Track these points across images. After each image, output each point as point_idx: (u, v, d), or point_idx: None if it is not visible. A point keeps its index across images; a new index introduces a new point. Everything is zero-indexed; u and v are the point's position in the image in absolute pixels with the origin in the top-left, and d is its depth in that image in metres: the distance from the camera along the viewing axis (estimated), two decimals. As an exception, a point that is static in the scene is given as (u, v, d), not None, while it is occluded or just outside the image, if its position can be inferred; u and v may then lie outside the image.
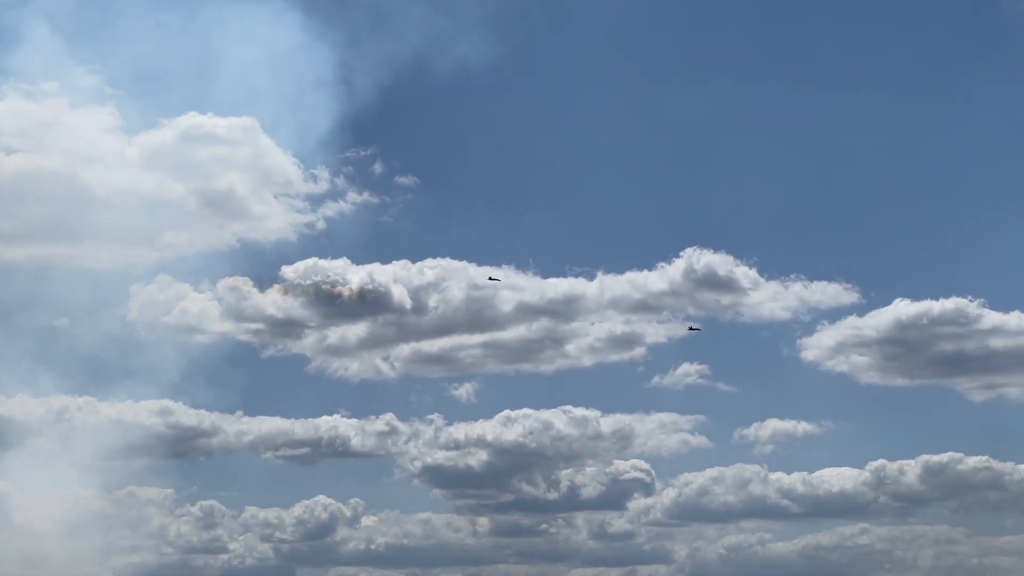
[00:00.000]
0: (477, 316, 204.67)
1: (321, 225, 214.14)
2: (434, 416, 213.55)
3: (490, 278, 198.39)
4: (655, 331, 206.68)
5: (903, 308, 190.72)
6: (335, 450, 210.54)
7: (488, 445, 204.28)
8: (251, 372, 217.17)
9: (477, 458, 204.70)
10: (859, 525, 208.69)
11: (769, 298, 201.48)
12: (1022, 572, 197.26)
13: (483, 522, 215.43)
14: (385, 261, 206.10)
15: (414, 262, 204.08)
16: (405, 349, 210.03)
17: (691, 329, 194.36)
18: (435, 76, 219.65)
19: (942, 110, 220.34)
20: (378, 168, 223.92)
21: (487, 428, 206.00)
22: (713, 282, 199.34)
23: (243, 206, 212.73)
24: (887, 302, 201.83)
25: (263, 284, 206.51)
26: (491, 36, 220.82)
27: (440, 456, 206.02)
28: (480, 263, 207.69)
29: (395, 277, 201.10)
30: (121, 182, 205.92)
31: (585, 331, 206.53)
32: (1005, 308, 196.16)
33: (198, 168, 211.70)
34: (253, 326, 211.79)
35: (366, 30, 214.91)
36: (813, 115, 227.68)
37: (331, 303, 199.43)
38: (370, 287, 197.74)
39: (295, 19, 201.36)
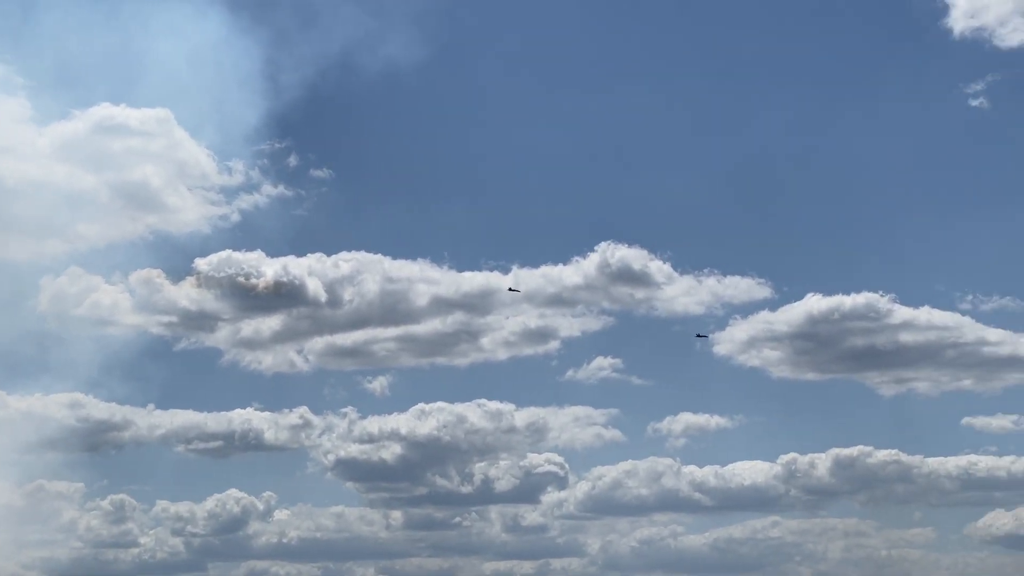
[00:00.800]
0: (392, 310, 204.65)
1: (236, 218, 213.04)
2: (348, 409, 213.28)
3: (510, 288, 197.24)
4: (569, 325, 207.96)
5: (815, 303, 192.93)
6: (248, 443, 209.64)
7: (402, 438, 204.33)
8: (163, 365, 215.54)
9: (391, 451, 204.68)
10: (770, 518, 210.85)
11: (683, 293, 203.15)
12: (929, 564, 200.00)
13: (396, 515, 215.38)
14: (300, 254, 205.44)
15: (329, 255, 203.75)
16: (319, 342, 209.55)
17: (699, 336, 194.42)
18: (360, 74, 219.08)
19: (854, 108, 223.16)
20: (293, 161, 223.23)
21: (401, 421, 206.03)
22: (627, 276, 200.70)
23: (157, 198, 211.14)
24: (799, 297, 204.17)
25: (176, 276, 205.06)
26: (418, 36, 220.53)
27: (354, 449, 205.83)
28: (395, 256, 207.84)
29: (310, 270, 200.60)
30: (32, 173, 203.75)
31: (500, 325, 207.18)
32: (915, 303, 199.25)
33: (111, 160, 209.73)
34: (166, 319, 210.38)
35: (294, 28, 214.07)
36: (728, 112, 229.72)
37: (245, 296, 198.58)
38: (285, 280, 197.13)
39: (220, 16, 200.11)
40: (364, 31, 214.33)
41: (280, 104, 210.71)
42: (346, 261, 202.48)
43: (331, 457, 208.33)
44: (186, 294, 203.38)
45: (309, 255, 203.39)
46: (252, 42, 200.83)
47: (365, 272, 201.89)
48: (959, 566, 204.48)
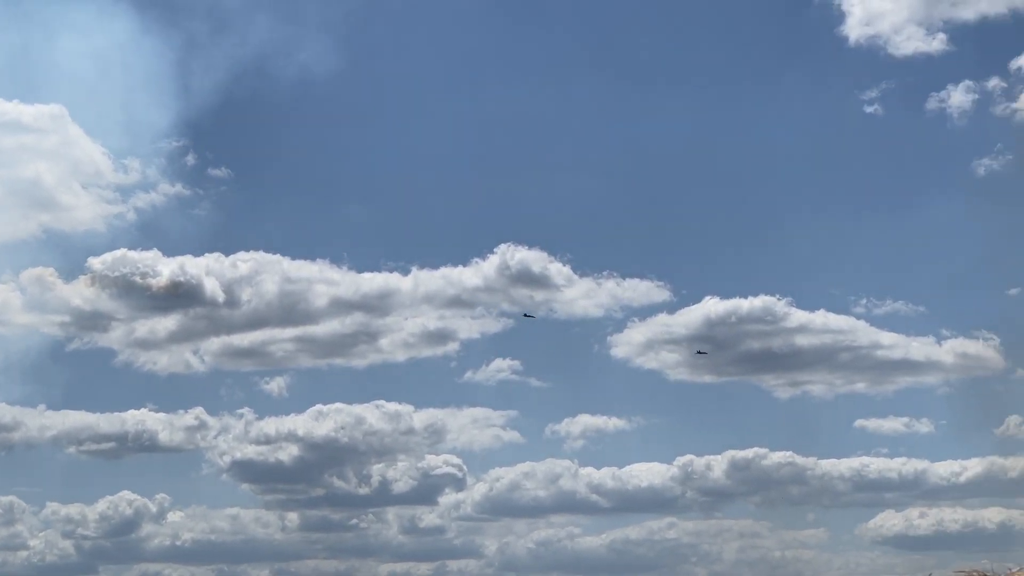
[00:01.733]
0: (290, 310, 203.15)
1: (131, 216, 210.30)
2: (244, 410, 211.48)
3: (525, 314, 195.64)
4: (468, 326, 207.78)
5: (712, 306, 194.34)
6: (142, 445, 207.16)
7: (299, 440, 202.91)
8: (55, 365, 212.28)
9: (288, 453, 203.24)
10: (667, 519, 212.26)
11: (582, 295, 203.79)
12: (821, 564, 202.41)
13: (292, 517, 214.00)
14: (197, 254, 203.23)
15: (227, 255, 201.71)
16: (216, 343, 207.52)
17: (699, 353, 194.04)
18: (270, 80, 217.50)
19: (752, 113, 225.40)
20: (191, 160, 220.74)
21: (298, 423, 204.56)
22: (527, 278, 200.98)
23: (50, 196, 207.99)
24: (697, 300, 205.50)
25: (69, 276, 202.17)
26: (329, 44, 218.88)
27: (250, 451, 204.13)
28: (294, 257, 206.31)
29: (207, 270, 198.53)
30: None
31: (399, 326, 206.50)
32: (811, 307, 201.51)
33: (2, 156, 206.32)
34: (58, 318, 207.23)
35: (205, 33, 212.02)
36: (627, 113, 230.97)
37: (140, 295, 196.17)
38: (181, 280, 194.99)
39: (128, 17, 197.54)
40: (278, 38, 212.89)
41: (184, 106, 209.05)
42: (244, 261, 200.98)
43: (227, 458, 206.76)
44: (79, 293, 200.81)
45: (207, 255, 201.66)
46: (162, 45, 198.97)
47: (263, 272, 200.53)
48: (850, 566, 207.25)
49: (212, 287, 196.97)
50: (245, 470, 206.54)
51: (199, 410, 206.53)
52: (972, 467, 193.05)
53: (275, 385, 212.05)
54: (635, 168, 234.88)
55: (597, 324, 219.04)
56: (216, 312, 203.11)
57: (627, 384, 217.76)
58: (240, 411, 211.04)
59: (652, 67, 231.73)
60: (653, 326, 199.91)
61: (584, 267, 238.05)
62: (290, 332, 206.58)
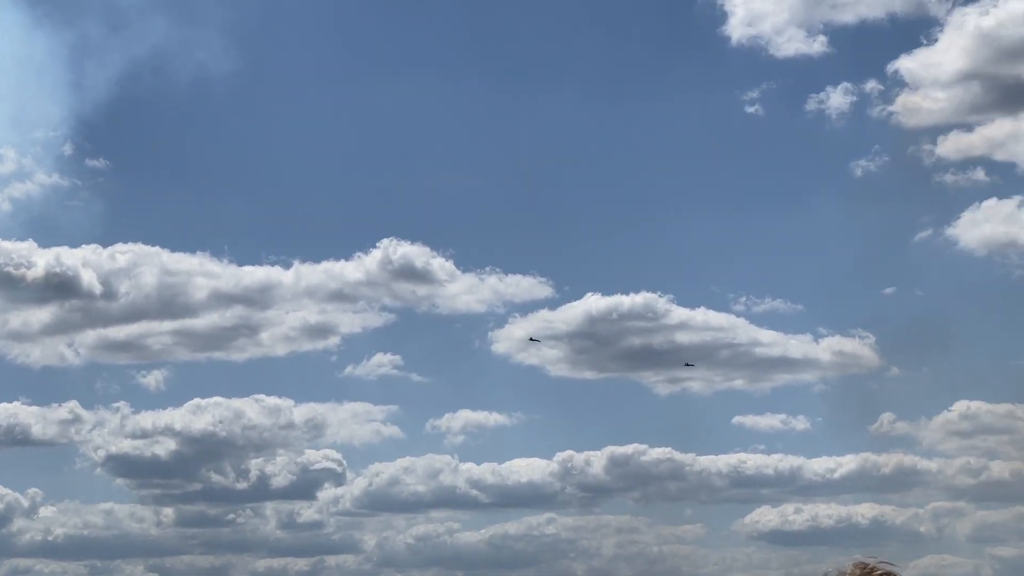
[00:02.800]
0: (169, 303, 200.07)
1: (6, 207, 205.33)
2: (120, 404, 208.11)
3: (531, 339, 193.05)
4: (350, 321, 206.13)
5: (594, 302, 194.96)
6: (14, 438, 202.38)
7: (176, 434, 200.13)
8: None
9: (164, 447, 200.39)
10: (546, 515, 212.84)
11: (465, 290, 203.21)
12: (698, 559, 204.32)
13: (168, 512, 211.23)
14: (74, 245, 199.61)
15: (105, 247, 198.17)
16: (91, 335, 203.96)
17: (687, 365, 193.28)
18: (155, 76, 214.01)
19: (634, 110, 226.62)
20: (68, 150, 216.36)
21: (176, 416, 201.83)
22: (409, 273, 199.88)
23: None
24: (579, 296, 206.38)
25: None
26: (219, 39, 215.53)
27: (126, 445, 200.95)
28: (174, 249, 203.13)
29: (84, 261, 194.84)
30: None
31: (280, 320, 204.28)
32: (691, 304, 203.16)
33: None
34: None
35: (96, 27, 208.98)
36: (510, 109, 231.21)
37: (14, 287, 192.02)
38: (57, 271, 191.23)
39: (17, 9, 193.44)
40: (172, 38, 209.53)
41: (70, 100, 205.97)
42: (122, 253, 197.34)
43: (101, 453, 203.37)
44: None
45: (83, 246, 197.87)
46: (53, 41, 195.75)
47: (142, 265, 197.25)
48: (726, 561, 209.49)
49: (89, 279, 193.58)
50: (120, 464, 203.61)
51: (73, 403, 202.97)
52: (847, 463, 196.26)
53: (152, 379, 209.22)
54: (518, 164, 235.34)
55: (479, 319, 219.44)
56: (92, 304, 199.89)
57: (508, 380, 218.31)
58: (116, 405, 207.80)
59: (535, 63, 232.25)
60: (534, 322, 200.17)
61: (467, 262, 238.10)
62: (168, 325, 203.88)
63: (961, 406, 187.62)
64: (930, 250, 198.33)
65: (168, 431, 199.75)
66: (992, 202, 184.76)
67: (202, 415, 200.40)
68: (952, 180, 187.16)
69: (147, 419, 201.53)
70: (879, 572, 7.91)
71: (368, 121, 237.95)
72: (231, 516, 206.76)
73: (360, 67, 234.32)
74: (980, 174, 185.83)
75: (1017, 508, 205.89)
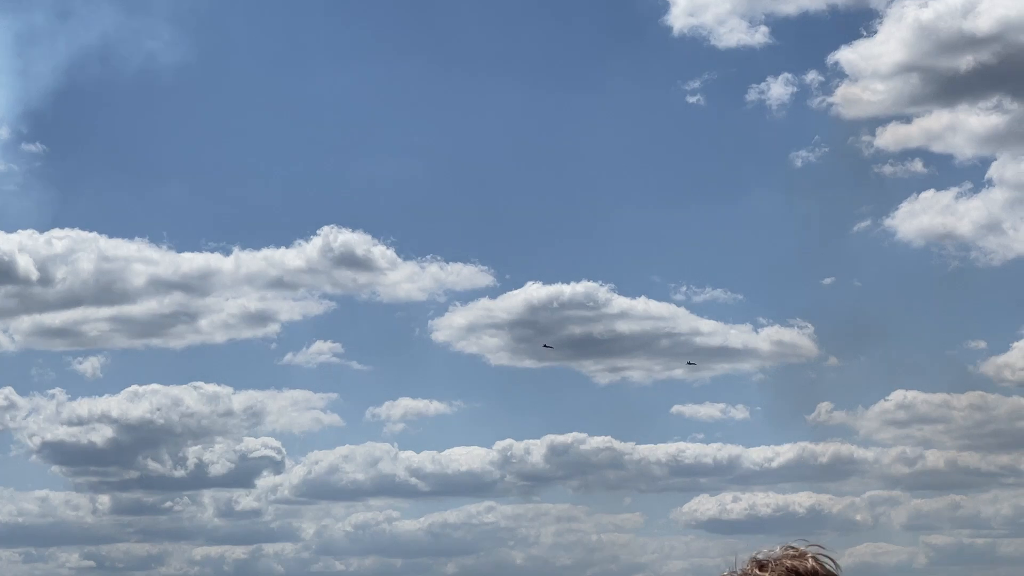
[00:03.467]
0: (107, 289, 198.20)
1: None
2: (56, 391, 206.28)
3: (545, 345, 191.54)
4: (290, 308, 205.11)
5: (535, 291, 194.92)
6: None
7: (113, 421, 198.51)
8: None
9: (101, 434, 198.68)
10: (485, 503, 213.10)
11: (406, 278, 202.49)
12: (637, 547, 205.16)
13: (104, 500, 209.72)
14: (9, 230, 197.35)
15: (41, 232, 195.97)
16: (26, 321, 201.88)
17: (689, 363, 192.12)
18: (103, 65, 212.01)
19: (577, 99, 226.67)
20: (3, 134, 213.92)
21: (113, 404, 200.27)
22: (350, 261, 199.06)
23: None
24: (520, 285, 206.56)
25: None
26: (164, 26, 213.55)
27: (61, 432, 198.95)
28: (111, 235, 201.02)
29: (20, 247, 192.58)
30: None
31: (219, 307, 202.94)
32: (632, 294, 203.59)
33: None
34: None
35: (43, 16, 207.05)
36: (453, 97, 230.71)
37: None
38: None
39: None
40: (120, 26, 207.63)
41: (9, 87, 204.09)
42: (59, 239, 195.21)
43: (36, 440, 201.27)
44: None
45: (19, 231, 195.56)
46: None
47: (79, 251, 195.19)
48: (665, 549, 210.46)
49: (25, 264, 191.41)
50: (56, 452, 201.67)
51: (8, 390, 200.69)
52: (784, 453, 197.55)
53: (89, 365, 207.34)
54: (460, 153, 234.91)
55: (420, 308, 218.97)
56: (28, 290, 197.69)
57: (448, 368, 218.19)
58: (51, 391, 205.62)
59: (477, 53, 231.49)
60: (475, 310, 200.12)
61: (408, 251, 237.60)
62: (105, 311, 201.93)
63: (898, 396, 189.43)
64: (868, 241, 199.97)
65: (105, 418, 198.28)
66: (929, 193, 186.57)
67: (139, 402, 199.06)
68: (890, 171, 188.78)
69: (83, 406, 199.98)
70: (810, 556, 7.92)
71: (310, 108, 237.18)
72: (168, 504, 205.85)
73: (302, 55, 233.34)
74: (918, 165, 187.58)
75: (951, 497, 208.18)
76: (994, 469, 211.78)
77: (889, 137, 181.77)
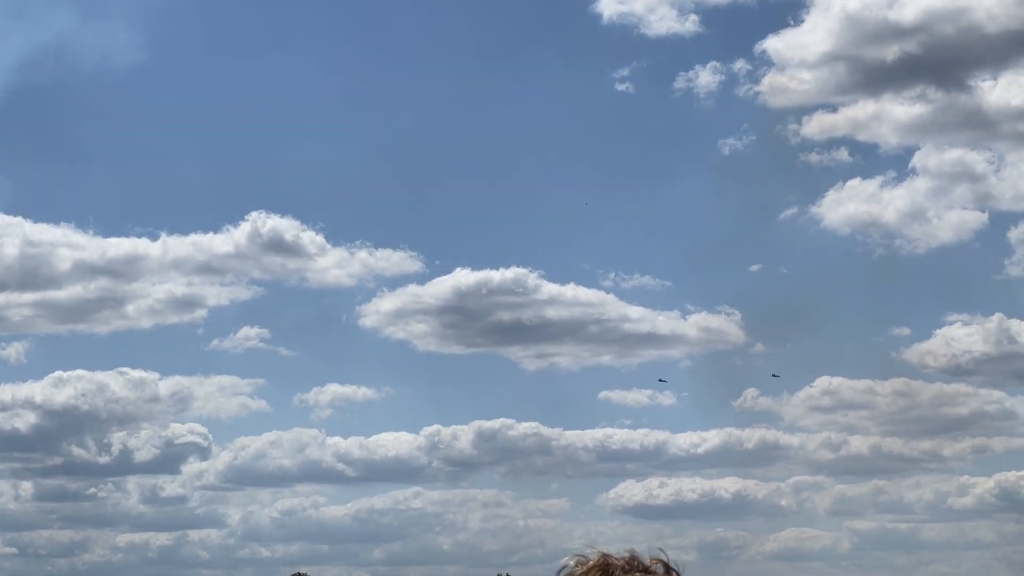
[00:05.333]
0: (32, 274, 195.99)
1: None
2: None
3: (660, 380, 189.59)
4: (217, 294, 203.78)
5: (463, 277, 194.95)
6: None
7: (37, 407, 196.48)
8: None
9: (24, 420, 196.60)
10: (412, 488, 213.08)
11: (335, 264, 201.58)
12: (563, 533, 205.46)
13: (26, 486, 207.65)
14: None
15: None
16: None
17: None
18: (27, 49, 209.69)
19: (506, 85, 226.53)
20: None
21: (36, 389, 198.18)
22: (279, 246, 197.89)
23: None
24: (448, 271, 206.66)
25: None
26: (90, 11, 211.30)
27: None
28: (36, 220, 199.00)
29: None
30: None
31: (146, 292, 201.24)
32: (561, 280, 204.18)
33: None
34: None
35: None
36: (380, 83, 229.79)
37: None
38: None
39: None
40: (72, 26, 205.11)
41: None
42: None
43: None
44: None
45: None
46: None
47: (3, 235, 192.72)
48: (591, 534, 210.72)
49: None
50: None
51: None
52: (711, 438, 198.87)
53: (12, 351, 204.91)
54: (389, 140, 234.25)
55: (349, 294, 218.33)
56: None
57: (376, 354, 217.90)
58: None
59: (407, 39, 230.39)
60: (403, 296, 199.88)
61: (337, 236, 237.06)
62: (30, 296, 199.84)
63: (823, 382, 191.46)
64: (795, 228, 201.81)
65: (28, 404, 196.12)
66: (855, 182, 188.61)
67: (64, 388, 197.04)
68: (817, 160, 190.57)
69: (6, 392, 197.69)
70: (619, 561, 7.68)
71: (238, 93, 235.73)
72: (92, 490, 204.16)
73: (231, 39, 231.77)
74: (844, 154, 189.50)
75: (874, 482, 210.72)
76: (917, 455, 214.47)
77: (815, 126, 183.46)
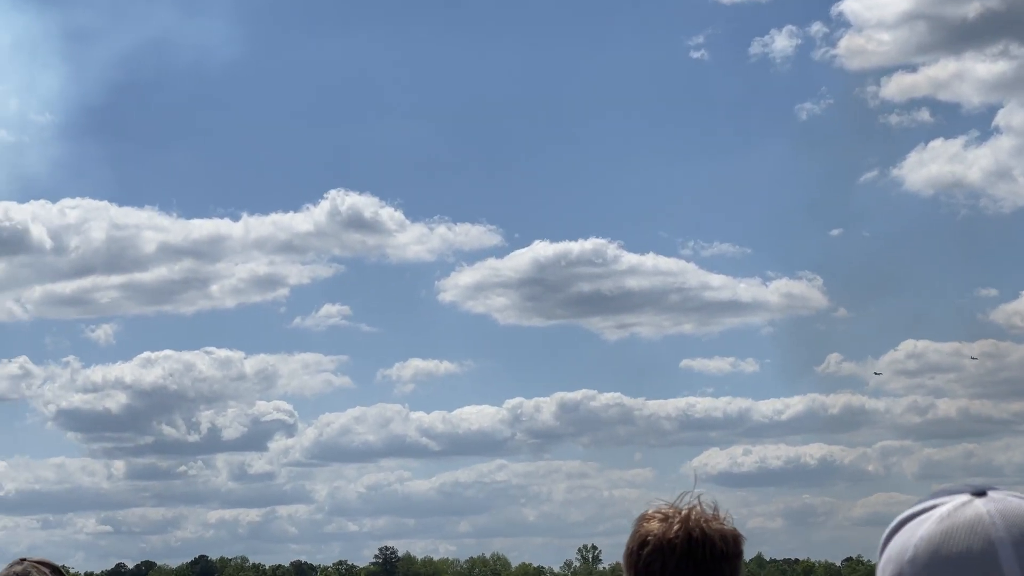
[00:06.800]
0: (118, 257, 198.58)
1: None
2: (70, 358, 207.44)
3: (876, 372, 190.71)
4: (299, 272, 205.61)
5: (542, 249, 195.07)
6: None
7: (127, 387, 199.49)
8: None
9: (115, 401, 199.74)
10: (496, 461, 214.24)
11: (414, 240, 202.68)
12: (646, 503, 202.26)
13: (119, 465, 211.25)
14: (22, 200, 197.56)
15: (53, 202, 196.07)
16: (39, 291, 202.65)
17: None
18: (119, 43, 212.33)
19: (581, 55, 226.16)
20: (13, 105, 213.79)
21: (126, 370, 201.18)
22: (358, 223, 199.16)
23: None
24: (527, 243, 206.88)
25: None
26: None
27: (76, 399, 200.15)
28: (121, 203, 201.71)
29: (33, 216, 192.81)
30: None
31: (229, 272, 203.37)
32: (640, 250, 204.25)
33: None
34: None
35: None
36: (456, 57, 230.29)
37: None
38: (6, 225, 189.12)
39: None
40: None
41: (36, 66, 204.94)
42: (71, 208, 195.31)
43: (52, 407, 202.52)
44: None
45: (32, 202, 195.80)
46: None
47: (91, 219, 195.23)
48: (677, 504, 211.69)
49: (38, 234, 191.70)
50: (71, 419, 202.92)
51: (23, 359, 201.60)
52: (794, 405, 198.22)
53: (102, 333, 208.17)
54: (466, 113, 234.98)
55: (428, 269, 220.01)
56: (41, 260, 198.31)
57: (457, 328, 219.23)
58: (66, 359, 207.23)
59: (483, 13, 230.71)
60: (482, 270, 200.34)
61: (416, 212, 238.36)
62: (117, 279, 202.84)
63: (908, 345, 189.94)
64: (876, 191, 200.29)
65: (118, 384, 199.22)
66: (938, 142, 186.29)
67: (152, 368, 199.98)
68: (897, 121, 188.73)
69: (97, 373, 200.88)
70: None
71: (315, 73, 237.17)
72: (182, 468, 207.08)
73: (308, 20, 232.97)
74: (925, 115, 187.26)
75: (963, 445, 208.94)
76: (1006, 417, 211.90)
77: (895, 87, 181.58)
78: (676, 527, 5.09)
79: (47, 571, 7.28)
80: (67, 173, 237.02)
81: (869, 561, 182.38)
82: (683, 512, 5.10)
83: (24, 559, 7.33)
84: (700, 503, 5.05)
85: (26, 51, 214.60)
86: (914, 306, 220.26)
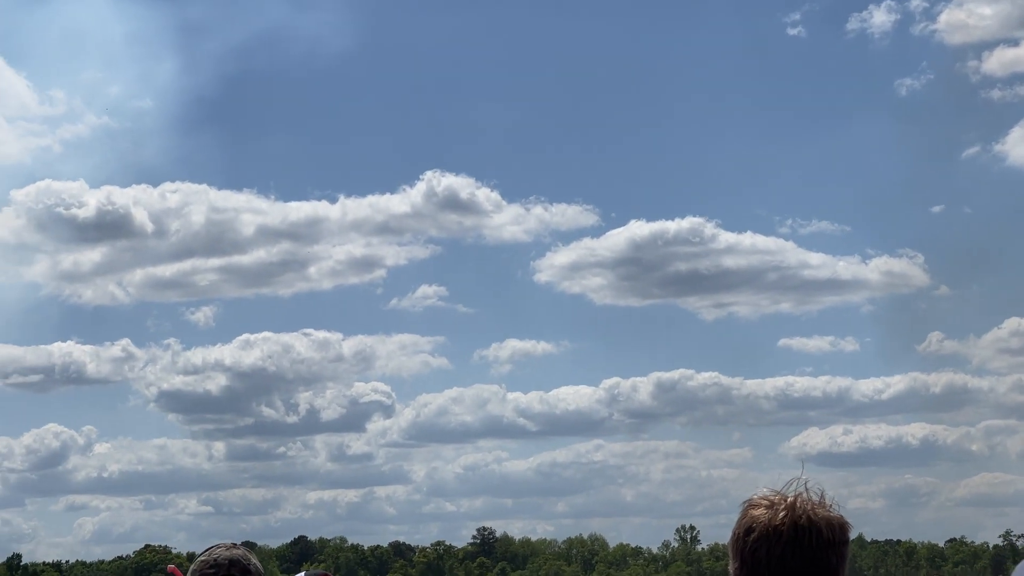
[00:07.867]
0: (217, 240, 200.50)
1: (58, 148, 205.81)
2: (171, 341, 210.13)
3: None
4: (396, 253, 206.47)
5: (638, 229, 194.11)
6: (68, 377, 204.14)
7: (227, 369, 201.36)
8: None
9: (215, 382, 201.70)
10: (594, 441, 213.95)
11: (511, 220, 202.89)
12: (745, 483, 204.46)
13: (219, 447, 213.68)
14: (124, 185, 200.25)
15: (154, 186, 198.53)
16: (140, 274, 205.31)
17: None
18: (211, 25, 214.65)
19: (675, 35, 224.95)
20: (115, 91, 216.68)
21: (225, 352, 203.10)
22: (455, 204, 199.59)
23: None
24: (623, 223, 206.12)
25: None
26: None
27: (177, 381, 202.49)
28: (220, 187, 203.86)
29: (135, 200, 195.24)
30: None
31: (327, 254, 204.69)
32: (737, 228, 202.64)
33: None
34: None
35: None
36: (551, 37, 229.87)
37: (66, 227, 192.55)
38: (109, 210, 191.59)
39: None
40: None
41: (124, 45, 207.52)
42: (171, 192, 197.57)
43: (154, 389, 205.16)
44: (3, 225, 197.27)
45: (134, 186, 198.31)
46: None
47: (191, 203, 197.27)
48: (776, 484, 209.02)
49: (140, 218, 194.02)
50: (172, 400, 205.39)
51: (125, 341, 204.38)
52: (895, 384, 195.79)
53: (201, 315, 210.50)
54: (560, 93, 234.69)
55: (524, 249, 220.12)
56: (143, 243, 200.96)
57: (553, 308, 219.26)
58: (167, 342, 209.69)
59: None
60: (578, 250, 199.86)
61: (512, 193, 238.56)
62: (216, 262, 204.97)
63: (1012, 323, 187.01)
64: (978, 167, 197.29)
65: (218, 366, 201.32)
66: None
67: (251, 350, 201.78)
68: (999, 96, 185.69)
69: (197, 355, 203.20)
70: None
71: (409, 55, 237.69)
72: (282, 449, 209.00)
73: (410, 6, 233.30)
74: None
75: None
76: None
77: (996, 61, 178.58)
78: (782, 514, 5.00)
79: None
80: (168, 159, 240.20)
81: (973, 542, 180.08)
82: (789, 499, 5.02)
83: (236, 544, 6.84)
84: (807, 490, 4.76)
85: (141, 44, 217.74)
86: (1018, 283, 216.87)
